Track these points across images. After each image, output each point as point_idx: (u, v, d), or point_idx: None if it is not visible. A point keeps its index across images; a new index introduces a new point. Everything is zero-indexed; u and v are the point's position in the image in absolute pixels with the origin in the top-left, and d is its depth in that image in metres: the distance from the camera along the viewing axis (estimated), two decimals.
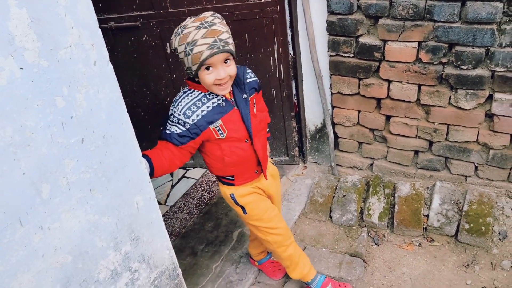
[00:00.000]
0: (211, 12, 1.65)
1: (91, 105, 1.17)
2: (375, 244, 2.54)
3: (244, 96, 1.78)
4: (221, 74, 1.60)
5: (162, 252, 1.60)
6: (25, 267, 1.10)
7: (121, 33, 2.80)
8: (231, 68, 1.64)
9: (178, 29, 1.60)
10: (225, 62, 1.61)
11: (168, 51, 2.84)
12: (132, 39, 2.83)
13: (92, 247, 1.30)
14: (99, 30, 1.15)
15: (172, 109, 1.72)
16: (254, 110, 1.84)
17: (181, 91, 1.76)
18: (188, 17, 1.61)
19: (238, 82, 1.77)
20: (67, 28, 1.06)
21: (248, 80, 1.80)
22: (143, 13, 2.72)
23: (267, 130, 2.02)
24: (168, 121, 1.72)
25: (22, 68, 0.98)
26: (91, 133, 1.20)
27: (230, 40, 1.64)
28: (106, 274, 1.36)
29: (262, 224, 1.97)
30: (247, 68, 1.84)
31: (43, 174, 1.09)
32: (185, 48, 1.57)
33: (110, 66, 1.20)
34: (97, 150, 1.23)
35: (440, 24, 2.18)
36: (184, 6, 2.65)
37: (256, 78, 1.86)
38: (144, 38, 2.81)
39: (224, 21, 1.67)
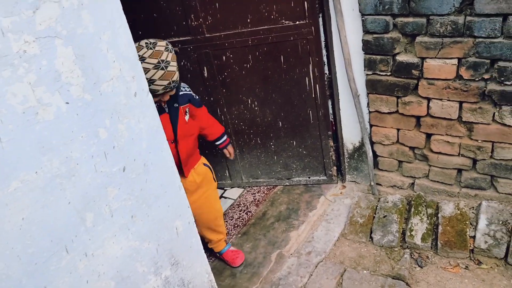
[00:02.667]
0: (164, 45, 1.97)
1: (132, 135, 1.21)
2: (419, 266, 2.46)
3: (176, 104, 2.17)
4: (165, 98, 2.07)
5: (202, 276, 1.62)
6: None
7: None
8: (172, 91, 2.08)
9: (149, 44, 1.96)
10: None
11: (206, 74, 2.89)
12: None
13: (134, 272, 1.33)
14: (139, 62, 1.20)
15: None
16: (185, 117, 2.26)
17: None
18: (145, 46, 1.95)
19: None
20: (109, 62, 1.11)
21: (181, 93, 2.21)
22: (181, 38, 2.80)
23: (220, 139, 2.59)
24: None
25: (68, 103, 1.03)
26: (132, 161, 1.24)
27: (177, 76, 2.00)
28: None
29: None
30: (182, 83, 2.28)
31: (87, 203, 1.13)
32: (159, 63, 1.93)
33: (150, 96, 1.25)
34: (138, 177, 1.27)
35: (481, 40, 2.12)
36: (220, 31, 2.70)
37: (191, 93, 2.31)
38: (182, 63, 2.89)
39: (174, 54, 2.01)
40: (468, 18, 2.09)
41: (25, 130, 0.96)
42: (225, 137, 2.62)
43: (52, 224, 1.06)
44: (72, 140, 1.06)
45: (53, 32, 0.97)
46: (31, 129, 0.97)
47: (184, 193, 1.46)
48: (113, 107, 1.15)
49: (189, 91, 2.32)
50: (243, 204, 3.24)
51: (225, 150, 2.66)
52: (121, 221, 1.24)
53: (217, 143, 2.61)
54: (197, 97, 2.40)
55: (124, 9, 1.16)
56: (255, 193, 3.33)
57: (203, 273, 1.63)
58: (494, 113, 2.29)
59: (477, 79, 2.23)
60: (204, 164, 2.49)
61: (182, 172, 2.30)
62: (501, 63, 2.13)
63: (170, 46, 2.01)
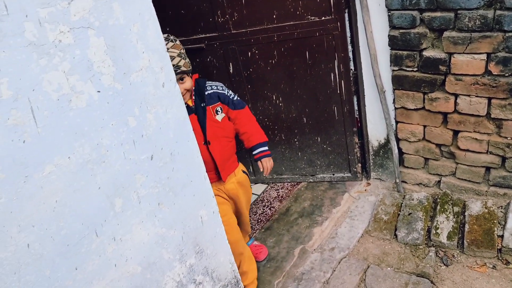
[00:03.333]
0: (165, 36, 1.99)
1: (160, 124, 1.25)
2: (444, 264, 2.42)
3: (203, 104, 2.16)
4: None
5: (225, 265, 1.65)
6: (100, 275, 1.18)
7: (187, 54, 2.93)
8: (186, 84, 2.08)
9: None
10: (181, 80, 2.05)
11: (231, 70, 2.93)
12: (197, 60, 2.96)
13: (160, 258, 1.37)
14: (167, 54, 1.23)
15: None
16: (217, 117, 2.20)
17: None
18: None
19: (199, 93, 2.17)
20: (139, 53, 1.15)
21: (207, 92, 2.19)
22: (207, 35, 2.84)
23: (256, 149, 2.34)
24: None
25: (99, 91, 1.07)
26: (159, 150, 1.28)
27: (182, 63, 2.03)
28: (172, 285, 1.42)
29: None
30: (210, 82, 2.23)
31: (116, 189, 1.17)
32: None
33: (177, 87, 1.28)
34: (165, 166, 1.30)
35: (511, 34, 2.08)
36: (246, 27, 2.73)
37: (223, 92, 2.23)
38: (208, 59, 2.93)
39: (177, 43, 2.06)
40: (498, 12, 2.05)
41: (59, 116, 1.00)
42: (262, 148, 2.34)
43: (84, 207, 1.10)
44: (103, 128, 1.10)
45: (86, 23, 1.01)
46: (64, 115, 1.01)
47: (209, 183, 1.49)
48: (142, 96, 1.19)
49: (222, 89, 2.24)
50: (266, 199, 3.27)
51: (258, 162, 2.35)
52: (148, 208, 1.28)
53: (253, 152, 2.35)
54: (233, 97, 2.27)
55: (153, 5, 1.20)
56: (278, 189, 3.35)
57: (227, 263, 1.66)
58: None
59: (506, 75, 2.19)
60: (243, 171, 2.42)
61: (219, 176, 2.22)
62: None
63: (172, 37, 2.08)
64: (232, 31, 2.77)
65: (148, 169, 1.26)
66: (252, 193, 3.36)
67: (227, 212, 2.28)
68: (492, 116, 2.35)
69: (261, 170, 2.36)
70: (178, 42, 2.09)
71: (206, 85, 2.21)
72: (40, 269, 1.04)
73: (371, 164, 3.08)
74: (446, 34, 2.25)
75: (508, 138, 2.37)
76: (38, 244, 1.02)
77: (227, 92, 2.26)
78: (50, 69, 0.96)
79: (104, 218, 1.16)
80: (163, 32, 1.28)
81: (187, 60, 2.10)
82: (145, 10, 1.15)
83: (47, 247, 1.04)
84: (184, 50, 2.12)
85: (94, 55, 1.04)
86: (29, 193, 0.98)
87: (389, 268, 2.45)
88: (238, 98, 2.31)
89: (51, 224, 1.04)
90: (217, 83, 2.27)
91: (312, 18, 2.60)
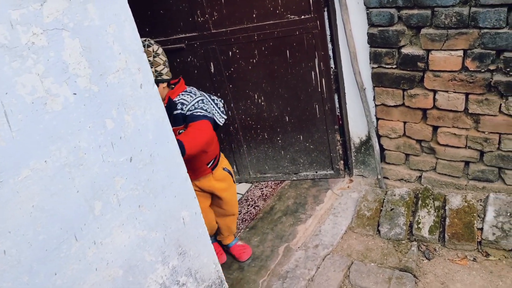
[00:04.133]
0: (142, 40, 1.94)
1: (138, 126, 1.24)
2: (426, 258, 2.46)
3: None
4: None
5: (209, 266, 1.64)
6: (80, 280, 1.17)
7: (167, 55, 2.90)
8: None
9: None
10: None
11: (212, 70, 2.92)
12: (178, 60, 2.94)
13: (142, 261, 1.35)
14: (144, 55, 1.22)
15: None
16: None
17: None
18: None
19: (168, 113, 2.02)
20: (115, 55, 1.14)
21: (175, 112, 2.10)
22: (187, 35, 2.83)
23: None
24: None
25: (75, 94, 1.06)
26: (139, 152, 1.26)
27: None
28: (155, 287, 1.41)
29: None
30: (181, 97, 2.12)
31: (95, 192, 1.16)
32: None
33: (156, 88, 1.27)
34: (144, 168, 1.29)
35: (486, 30, 2.12)
36: (226, 27, 2.73)
37: (182, 111, 2.09)
38: (189, 59, 2.91)
39: (148, 49, 1.99)
40: (473, 9, 2.09)
41: (34, 120, 0.98)
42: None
43: (62, 212, 1.09)
44: (79, 130, 1.09)
45: (60, 24, 0.99)
46: (40, 119, 0.99)
47: (191, 183, 1.48)
48: (120, 98, 1.17)
49: (181, 109, 2.09)
50: (251, 198, 3.27)
51: None
52: (128, 211, 1.27)
53: None
54: (188, 114, 2.09)
55: (131, 6, 1.18)
56: (262, 188, 3.35)
57: (210, 264, 1.65)
58: (501, 104, 2.28)
59: (483, 71, 2.23)
60: (224, 169, 2.44)
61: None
62: (506, 54, 2.13)
63: (147, 42, 1.99)
64: (212, 31, 2.76)
65: (128, 171, 1.24)
66: (237, 193, 3.36)
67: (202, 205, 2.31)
68: (470, 111, 2.39)
69: None
70: (152, 48, 2.00)
71: (177, 101, 2.10)
72: (17, 276, 1.02)
73: (353, 161, 3.11)
74: (423, 31, 2.28)
75: (486, 133, 2.42)
76: (14, 250, 1.00)
77: (186, 109, 2.10)
78: (23, 72, 0.94)
79: (84, 222, 1.15)
80: (143, 32, 1.27)
81: (153, 69, 1.98)
82: (120, 10, 1.14)
83: (24, 253, 1.02)
84: (158, 59, 2.04)
85: (69, 57, 1.03)
86: (4, 198, 0.96)
87: (372, 264, 2.47)
88: (194, 113, 2.09)
89: (28, 230, 1.02)
90: (186, 97, 2.13)
91: (292, 17, 2.61)
